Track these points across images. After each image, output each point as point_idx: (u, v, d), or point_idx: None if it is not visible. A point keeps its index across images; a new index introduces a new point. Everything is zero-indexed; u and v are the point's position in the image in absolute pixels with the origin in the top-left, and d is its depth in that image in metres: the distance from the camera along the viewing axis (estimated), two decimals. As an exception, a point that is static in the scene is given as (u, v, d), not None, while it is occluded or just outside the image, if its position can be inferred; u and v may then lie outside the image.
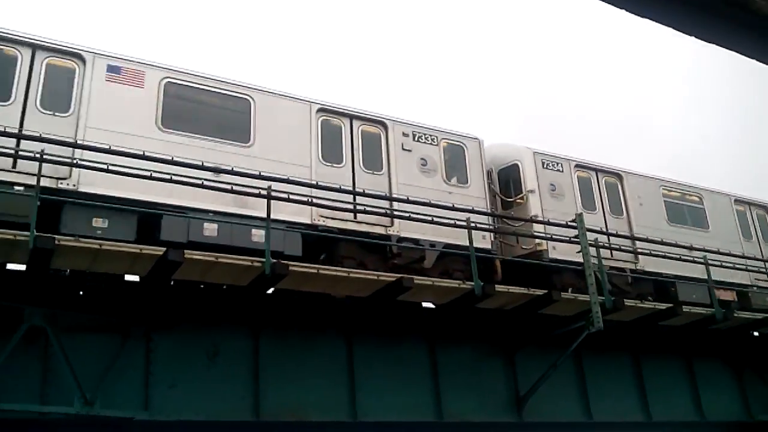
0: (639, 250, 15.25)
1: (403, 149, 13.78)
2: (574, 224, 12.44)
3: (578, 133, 60.97)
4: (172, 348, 10.86)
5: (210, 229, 11.03)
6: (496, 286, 11.81)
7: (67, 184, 10.38)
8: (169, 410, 10.47)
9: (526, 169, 15.36)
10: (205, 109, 12.34)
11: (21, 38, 11.15)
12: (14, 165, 10.20)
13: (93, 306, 10.47)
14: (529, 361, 13.50)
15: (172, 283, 10.70)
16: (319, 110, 13.29)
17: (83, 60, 11.48)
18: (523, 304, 12.41)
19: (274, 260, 10.07)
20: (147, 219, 10.67)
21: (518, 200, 15.27)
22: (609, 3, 3.83)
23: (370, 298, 11.47)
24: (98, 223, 10.18)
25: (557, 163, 15.75)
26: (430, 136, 14.26)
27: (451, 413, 12.56)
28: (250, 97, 12.69)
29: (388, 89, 63.30)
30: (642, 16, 3.93)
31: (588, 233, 12.55)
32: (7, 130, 9.79)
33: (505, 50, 74.99)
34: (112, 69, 11.65)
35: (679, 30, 4.08)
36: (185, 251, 9.53)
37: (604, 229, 14.99)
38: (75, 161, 10.14)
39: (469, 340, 13.38)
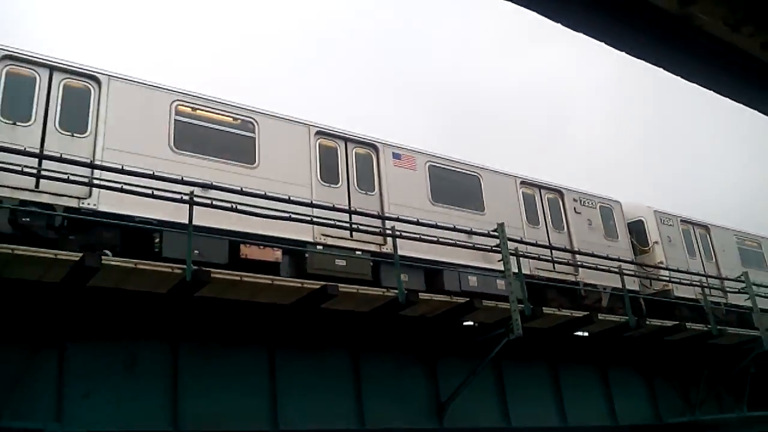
0: (726, 289, 18.84)
1: (575, 212, 17.45)
2: (495, 233, 12.65)
3: (499, 140, 62.43)
4: (87, 357, 10.48)
5: (473, 280, 14.22)
6: (419, 294, 11.90)
7: (383, 249, 13.54)
8: (83, 421, 10.09)
9: (649, 224, 19.33)
10: (453, 185, 15.73)
11: (339, 133, 14.32)
12: (351, 234, 13.31)
13: (3, 314, 10.02)
14: (450, 368, 13.66)
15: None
16: (522, 183, 16.85)
17: (376, 149, 14.69)
18: (445, 312, 12.55)
19: (196, 267, 9.88)
20: (431, 273, 13.93)
21: (644, 250, 19.12)
22: (551, 19, 3.83)
23: (294, 306, 11.38)
24: (404, 278, 12.21)
25: (669, 219, 19.76)
26: (590, 200, 18.02)
27: (373, 421, 12.58)
28: (480, 174, 16.14)
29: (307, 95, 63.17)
30: (580, 32, 3.94)
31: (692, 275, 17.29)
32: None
33: (428, 58, 75.95)
34: (395, 156, 14.95)
35: (617, 48, 4.10)
36: (103, 256, 9.24)
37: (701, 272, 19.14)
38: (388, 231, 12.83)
39: (392, 349, 13.44)
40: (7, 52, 11.16)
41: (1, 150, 9.53)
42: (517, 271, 12.95)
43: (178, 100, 12.48)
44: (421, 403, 13.39)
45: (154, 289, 10.24)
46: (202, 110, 12.75)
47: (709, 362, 17.59)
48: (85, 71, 11.82)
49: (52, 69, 11.55)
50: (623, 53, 4.05)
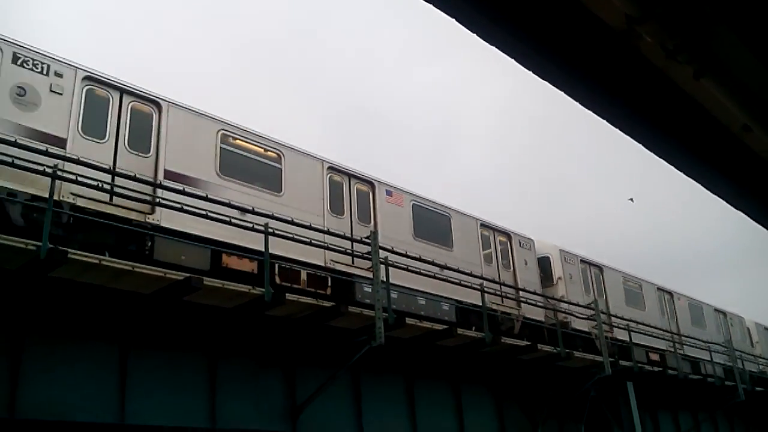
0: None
1: None
2: (367, 240, 12.75)
3: (383, 144, 63.35)
4: None
5: None
6: (286, 294, 11.77)
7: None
8: None
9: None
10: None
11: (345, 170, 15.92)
12: (353, 261, 14.39)
13: None
14: (309, 373, 13.57)
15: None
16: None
17: (373, 186, 16.40)
18: (310, 314, 12.48)
19: (52, 245, 9.32)
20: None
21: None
22: (484, 39, 3.82)
23: (154, 296, 10.93)
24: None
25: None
26: None
27: (224, 420, 12.28)
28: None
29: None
30: (505, 52, 3.95)
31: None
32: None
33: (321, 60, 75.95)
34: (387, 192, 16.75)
35: (543, 74, 4.10)
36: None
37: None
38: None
39: (251, 350, 13.16)
40: (87, 73, 12.10)
41: (87, 165, 10.71)
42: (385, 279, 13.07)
43: (222, 129, 13.80)
44: (277, 406, 13.21)
45: (3, 265, 9.56)
46: (241, 140, 14.13)
47: (554, 383, 18.46)
48: (150, 96, 12.93)
49: (122, 91, 12.61)
50: (530, 72, 4.11)
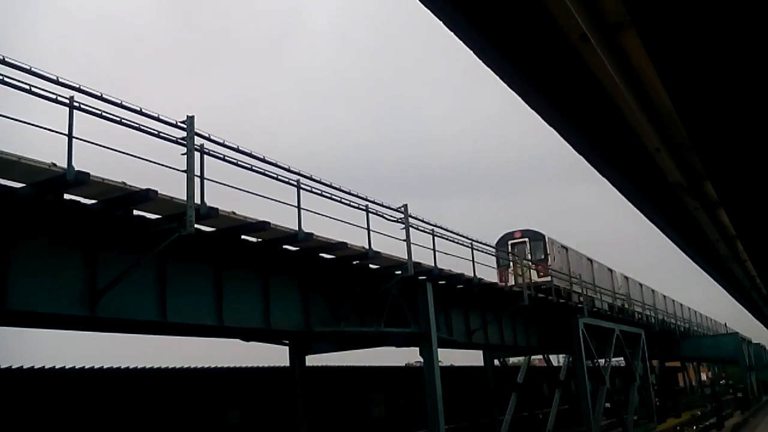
0: None
1: None
2: (183, 125, 12.22)
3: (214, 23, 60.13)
4: None
5: None
6: (90, 174, 11.09)
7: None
8: None
9: None
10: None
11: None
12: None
13: None
14: (112, 258, 13.02)
15: None
16: None
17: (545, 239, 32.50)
18: (117, 198, 11.91)
19: None
20: None
21: None
22: None
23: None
24: None
25: None
26: None
27: (17, 302, 11.58)
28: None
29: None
30: None
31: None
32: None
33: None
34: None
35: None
36: None
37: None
38: None
39: (49, 231, 12.35)
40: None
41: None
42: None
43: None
44: (74, 290, 12.61)
45: None
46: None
47: (360, 280, 19.18)
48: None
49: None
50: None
